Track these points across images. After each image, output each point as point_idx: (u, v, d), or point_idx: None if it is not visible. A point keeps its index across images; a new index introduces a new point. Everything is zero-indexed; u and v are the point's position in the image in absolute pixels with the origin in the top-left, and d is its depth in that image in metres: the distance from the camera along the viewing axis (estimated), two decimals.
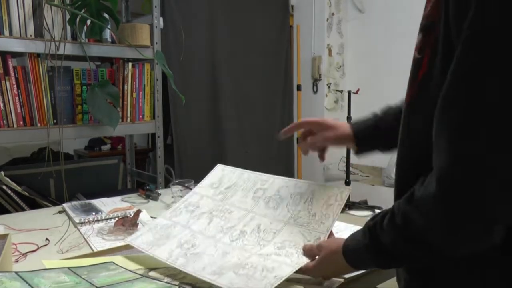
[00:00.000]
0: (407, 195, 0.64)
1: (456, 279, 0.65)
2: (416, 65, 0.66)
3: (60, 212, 1.44)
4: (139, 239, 1.04)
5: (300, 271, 0.84)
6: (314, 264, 0.83)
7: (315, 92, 3.65)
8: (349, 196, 0.96)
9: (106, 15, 1.74)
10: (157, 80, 2.00)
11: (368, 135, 0.96)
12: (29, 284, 0.72)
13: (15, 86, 1.61)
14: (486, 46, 0.52)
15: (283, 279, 0.80)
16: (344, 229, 1.15)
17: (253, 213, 1.02)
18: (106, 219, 1.30)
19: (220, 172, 1.20)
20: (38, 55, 1.66)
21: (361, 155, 0.99)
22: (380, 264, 0.74)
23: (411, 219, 0.62)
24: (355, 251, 0.75)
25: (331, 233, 0.89)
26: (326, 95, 3.62)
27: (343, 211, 0.95)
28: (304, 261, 0.84)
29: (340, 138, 0.97)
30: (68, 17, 1.69)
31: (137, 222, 1.22)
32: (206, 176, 1.21)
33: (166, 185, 1.98)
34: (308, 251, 0.85)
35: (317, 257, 0.83)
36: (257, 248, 0.91)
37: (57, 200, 1.77)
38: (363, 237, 0.73)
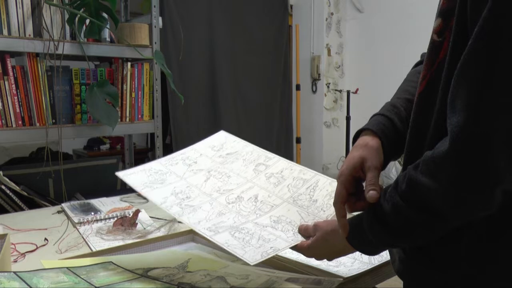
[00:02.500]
0: (414, 164, 0.63)
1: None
2: (436, 47, 0.66)
3: (59, 212, 1.43)
4: (132, 177, 0.99)
5: (294, 248, 0.83)
6: (308, 244, 0.81)
7: (314, 91, 3.66)
8: None
9: (105, 15, 1.74)
10: (156, 79, 2.00)
11: (393, 142, 0.78)
12: (27, 284, 0.72)
13: (13, 85, 1.61)
14: (508, 12, 0.53)
15: (279, 251, 0.80)
16: None
17: (252, 183, 0.98)
18: (105, 219, 1.30)
19: (223, 138, 1.14)
20: (37, 54, 1.66)
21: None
22: (381, 240, 0.70)
23: (416, 182, 0.61)
24: (356, 227, 0.72)
25: None
26: (325, 95, 3.63)
27: None
28: (299, 239, 0.83)
29: (379, 165, 0.75)
30: (67, 16, 1.69)
31: (136, 222, 1.22)
32: (207, 138, 1.15)
33: None
34: (303, 231, 0.84)
35: (311, 237, 0.81)
36: (253, 216, 0.89)
37: (56, 200, 1.77)
38: (366, 212, 0.71)
